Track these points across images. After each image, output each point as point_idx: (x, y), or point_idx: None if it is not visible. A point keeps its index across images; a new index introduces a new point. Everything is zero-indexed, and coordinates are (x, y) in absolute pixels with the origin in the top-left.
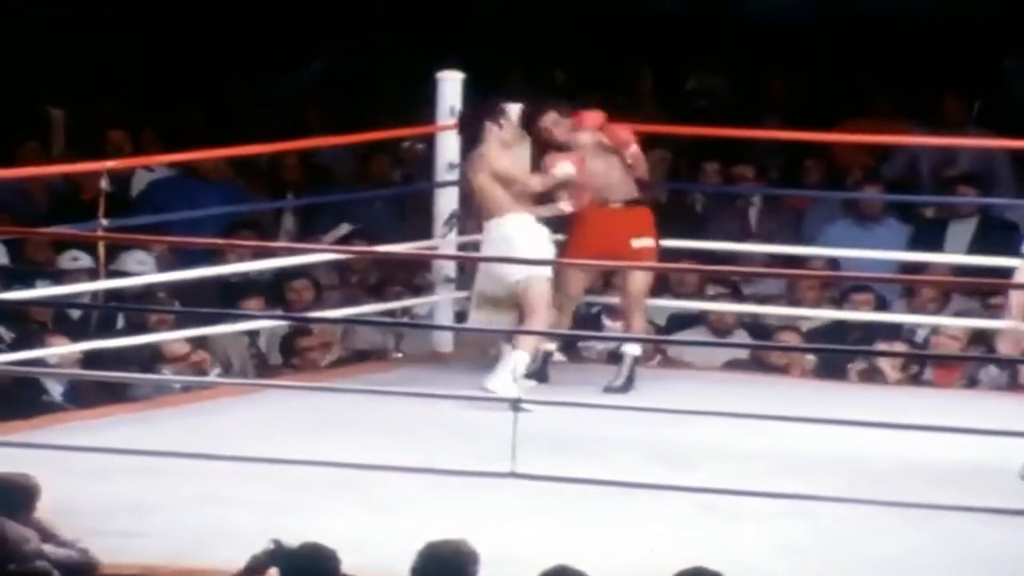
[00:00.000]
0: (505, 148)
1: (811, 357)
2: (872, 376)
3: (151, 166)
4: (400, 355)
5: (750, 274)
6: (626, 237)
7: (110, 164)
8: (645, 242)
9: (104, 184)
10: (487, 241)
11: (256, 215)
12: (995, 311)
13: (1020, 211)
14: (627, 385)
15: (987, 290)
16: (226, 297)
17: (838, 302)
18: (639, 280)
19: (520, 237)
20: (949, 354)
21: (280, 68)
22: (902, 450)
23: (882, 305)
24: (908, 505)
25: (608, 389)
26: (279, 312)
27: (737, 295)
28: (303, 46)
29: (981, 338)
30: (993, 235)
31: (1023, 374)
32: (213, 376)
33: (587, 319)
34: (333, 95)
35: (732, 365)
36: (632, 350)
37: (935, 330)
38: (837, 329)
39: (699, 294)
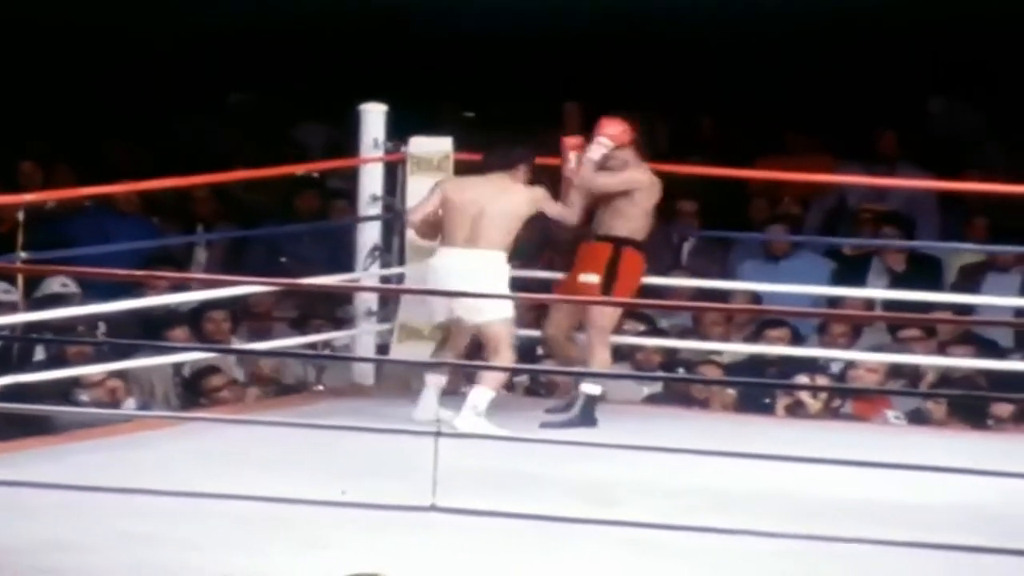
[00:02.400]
0: None
1: (731, 391)
2: (797, 410)
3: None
4: (321, 388)
5: (657, 307)
6: (576, 272)
7: (28, 197)
8: (590, 278)
9: (20, 216)
10: (447, 269)
11: (169, 249)
12: (907, 344)
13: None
14: (575, 422)
15: (901, 324)
16: (148, 329)
17: (754, 336)
18: (595, 316)
19: (490, 273)
20: (867, 387)
21: (203, 105)
22: (825, 484)
23: (797, 339)
24: (833, 539)
25: (546, 425)
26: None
27: (655, 330)
28: (226, 84)
29: (899, 371)
30: (917, 270)
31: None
32: (132, 408)
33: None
34: (254, 131)
35: (653, 399)
36: (589, 389)
37: (851, 363)
38: (756, 363)
39: (618, 328)
